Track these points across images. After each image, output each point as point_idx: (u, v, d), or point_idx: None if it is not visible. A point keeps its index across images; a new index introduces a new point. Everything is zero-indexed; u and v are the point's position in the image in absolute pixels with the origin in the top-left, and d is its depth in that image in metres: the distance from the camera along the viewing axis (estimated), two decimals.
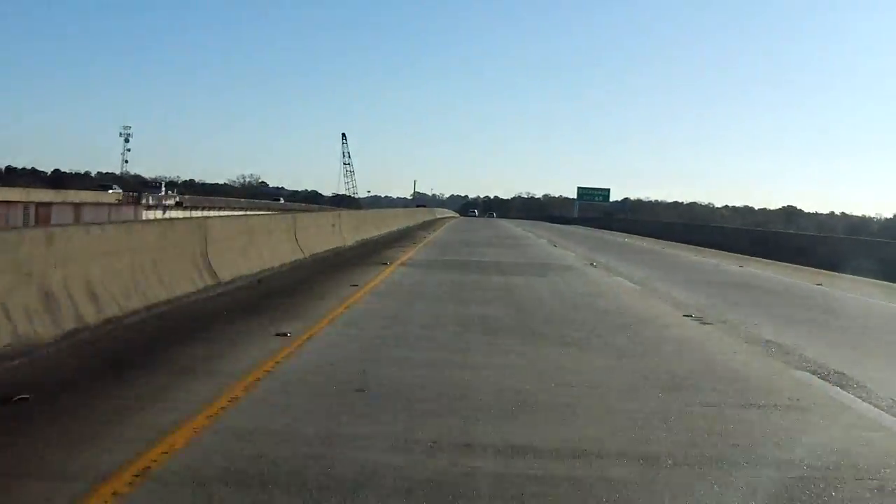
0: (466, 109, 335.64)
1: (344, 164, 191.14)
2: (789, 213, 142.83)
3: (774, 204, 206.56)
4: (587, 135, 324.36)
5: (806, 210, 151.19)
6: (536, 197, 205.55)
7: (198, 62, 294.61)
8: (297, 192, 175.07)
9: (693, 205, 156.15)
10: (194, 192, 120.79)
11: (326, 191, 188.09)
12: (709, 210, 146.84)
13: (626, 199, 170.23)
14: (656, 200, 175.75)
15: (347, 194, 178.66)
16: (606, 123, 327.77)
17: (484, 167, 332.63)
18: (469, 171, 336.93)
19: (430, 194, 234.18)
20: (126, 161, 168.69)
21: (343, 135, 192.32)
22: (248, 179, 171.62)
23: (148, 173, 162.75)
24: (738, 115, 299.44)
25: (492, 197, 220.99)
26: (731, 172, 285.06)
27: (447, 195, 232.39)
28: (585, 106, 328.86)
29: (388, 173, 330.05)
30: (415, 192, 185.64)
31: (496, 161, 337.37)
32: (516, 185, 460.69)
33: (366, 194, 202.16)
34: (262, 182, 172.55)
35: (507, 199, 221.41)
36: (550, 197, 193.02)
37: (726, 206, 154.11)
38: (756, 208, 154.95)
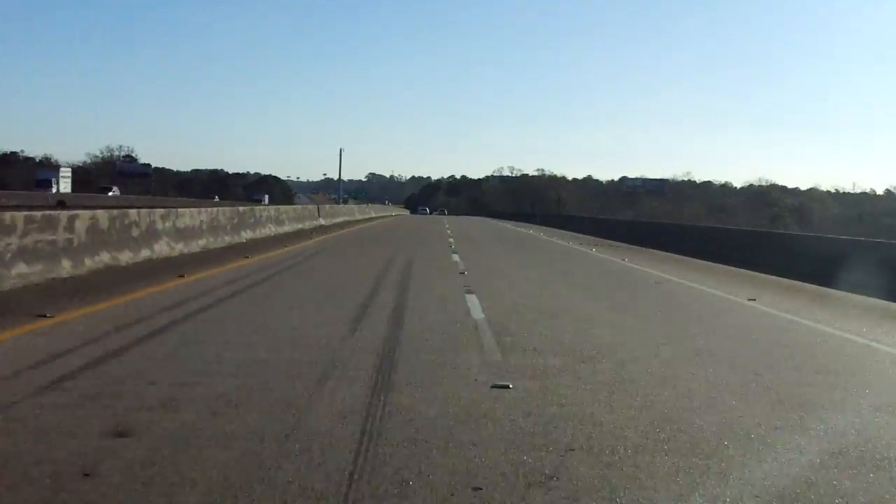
0: (429, 78, 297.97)
1: None
2: None
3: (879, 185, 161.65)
4: (604, 97, 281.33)
5: None
6: (519, 174, 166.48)
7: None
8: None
9: (752, 187, 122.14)
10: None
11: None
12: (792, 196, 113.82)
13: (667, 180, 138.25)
14: (724, 183, 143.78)
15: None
16: (619, 89, 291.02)
17: (451, 142, 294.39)
18: (434, 149, 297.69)
19: (387, 176, 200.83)
20: None
21: None
22: (115, 154, 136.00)
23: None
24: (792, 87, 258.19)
25: (458, 177, 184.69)
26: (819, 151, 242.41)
27: (408, 177, 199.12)
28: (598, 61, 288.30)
29: (344, 154, 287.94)
30: (338, 173, 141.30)
31: (467, 133, 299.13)
32: (492, 161, 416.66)
33: (321, 177, 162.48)
34: (128, 157, 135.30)
35: (479, 180, 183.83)
36: (547, 176, 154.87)
37: (828, 191, 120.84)
38: (845, 191, 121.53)
